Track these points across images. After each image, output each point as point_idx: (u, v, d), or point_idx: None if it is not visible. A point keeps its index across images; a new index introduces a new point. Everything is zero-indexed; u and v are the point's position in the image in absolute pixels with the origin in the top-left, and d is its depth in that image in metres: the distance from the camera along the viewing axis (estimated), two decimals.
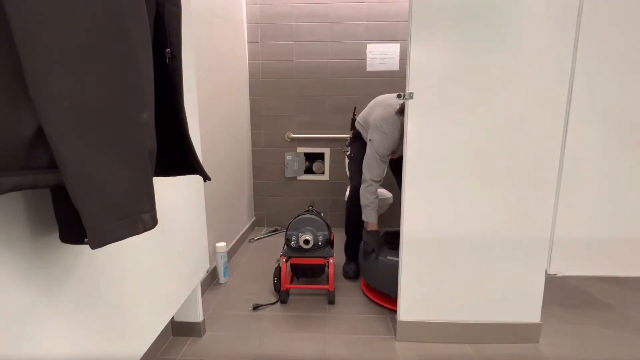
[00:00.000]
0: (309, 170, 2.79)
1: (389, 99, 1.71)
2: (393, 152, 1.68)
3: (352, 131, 2.00)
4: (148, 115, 0.54)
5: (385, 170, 1.70)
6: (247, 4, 2.52)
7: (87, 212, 0.46)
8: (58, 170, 0.43)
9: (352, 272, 1.91)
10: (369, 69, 2.61)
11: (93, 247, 0.47)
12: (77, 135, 0.44)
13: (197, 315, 1.38)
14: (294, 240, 1.61)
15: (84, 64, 0.44)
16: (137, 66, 0.51)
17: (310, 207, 1.98)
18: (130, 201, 0.52)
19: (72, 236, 0.55)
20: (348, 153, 2.01)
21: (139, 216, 0.53)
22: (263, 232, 2.70)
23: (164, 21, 0.64)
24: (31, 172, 0.43)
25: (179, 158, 0.79)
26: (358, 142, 1.91)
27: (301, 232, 1.61)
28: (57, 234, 0.57)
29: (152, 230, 0.92)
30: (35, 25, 0.39)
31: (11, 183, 0.41)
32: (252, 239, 2.56)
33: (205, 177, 0.87)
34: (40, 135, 0.42)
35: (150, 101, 0.55)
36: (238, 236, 2.37)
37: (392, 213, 2.50)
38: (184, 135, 0.74)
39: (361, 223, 1.80)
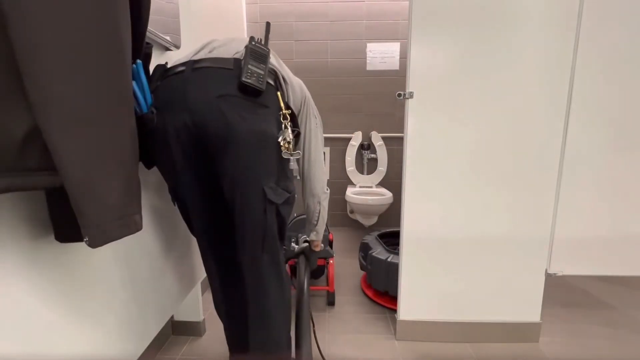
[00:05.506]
0: None
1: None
2: None
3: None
4: (134, 120, 0.57)
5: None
6: (247, 3, 2.52)
7: (86, 212, 0.46)
8: (48, 172, 0.44)
9: None
10: (369, 68, 2.60)
11: (93, 246, 0.48)
12: (78, 138, 0.45)
13: (197, 314, 1.38)
14: (294, 241, 1.61)
15: (84, 69, 0.45)
16: (127, 70, 0.52)
17: None
18: (125, 202, 0.53)
19: (67, 235, 0.56)
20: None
21: (132, 217, 0.55)
22: None
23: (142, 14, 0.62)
24: (20, 174, 0.43)
25: None
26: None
27: (300, 233, 1.61)
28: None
29: (153, 229, 0.92)
30: (38, 31, 0.39)
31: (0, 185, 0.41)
32: None
33: None
34: (31, 137, 0.42)
35: (133, 105, 0.57)
36: None
37: (392, 213, 2.51)
38: None
39: None
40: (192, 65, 0.74)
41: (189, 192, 0.84)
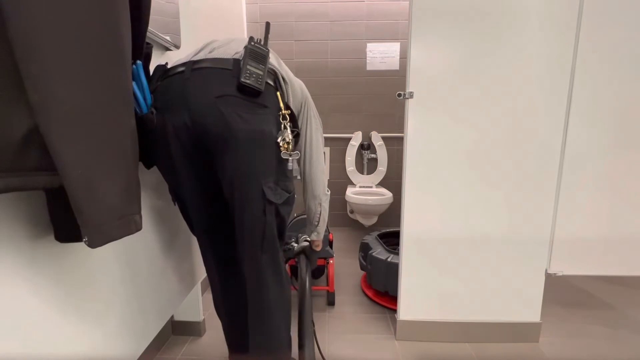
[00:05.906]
0: None
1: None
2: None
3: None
4: (134, 121, 0.57)
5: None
6: (247, 3, 2.52)
7: (86, 212, 0.46)
8: (47, 172, 0.44)
9: None
10: (369, 68, 2.60)
11: (93, 246, 0.48)
12: (78, 139, 0.45)
13: (197, 314, 1.38)
14: (294, 241, 1.61)
15: (84, 69, 0.45)
16: (127, 70, 0.53)
17: None
18: (124, 202, 0.53)
19: (68, 235, 0.56)
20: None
21: (132, 217, 0.55)
22: None
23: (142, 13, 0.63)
24: (20, 174, 0.43)
25: None
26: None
27: (300, 233, 1.61)
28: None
29: (153, 229, 0.92)
30: (38, 31, 0.39)
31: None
32: None
33: None
34: (30, 137, 0.42)
35: (133, 105, 0.58)
36: None
37: (392, 213, 2.51)
38: None
39: None
40: (191, 66, 0.74)
41: (189, 192, 0.84)
